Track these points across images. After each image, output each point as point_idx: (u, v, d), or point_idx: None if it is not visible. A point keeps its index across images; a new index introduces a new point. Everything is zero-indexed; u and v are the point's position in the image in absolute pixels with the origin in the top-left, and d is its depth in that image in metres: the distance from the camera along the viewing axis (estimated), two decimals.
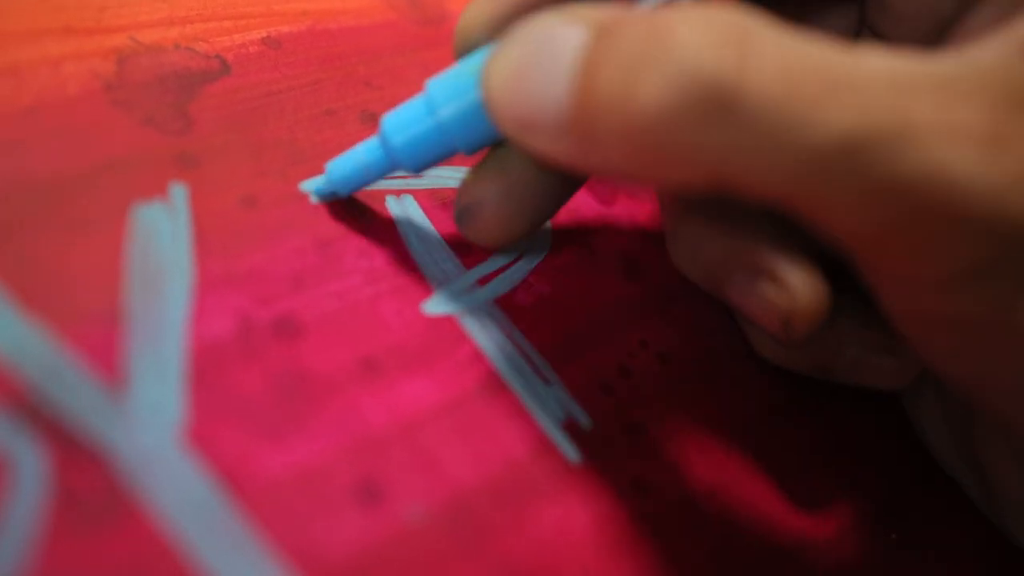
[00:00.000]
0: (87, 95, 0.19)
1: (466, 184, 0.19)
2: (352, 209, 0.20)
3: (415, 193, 0.22)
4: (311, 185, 0.20)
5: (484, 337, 0.20)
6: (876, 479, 0.22)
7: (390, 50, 0.24)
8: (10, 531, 0.14)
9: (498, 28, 0.18)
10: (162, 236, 0.18)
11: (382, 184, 0.21)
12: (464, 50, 0.19)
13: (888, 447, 0.23)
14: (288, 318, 0.18)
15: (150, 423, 0.16)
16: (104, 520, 0.15)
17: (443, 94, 0.18)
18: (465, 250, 0.21)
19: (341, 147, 0.21)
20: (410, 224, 0.21)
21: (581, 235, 0.23)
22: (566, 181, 0.20)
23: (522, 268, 0.22)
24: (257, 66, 0.22)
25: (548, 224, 0.23)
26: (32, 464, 0.15)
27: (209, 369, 0.17)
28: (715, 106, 0.14)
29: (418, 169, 0.19)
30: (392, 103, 0.23)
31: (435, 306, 0.20)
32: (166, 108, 0.20)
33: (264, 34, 0.23)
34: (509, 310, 0.21)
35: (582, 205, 0.24)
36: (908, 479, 0.22)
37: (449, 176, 0.22)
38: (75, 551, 0.14)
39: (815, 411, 0.23)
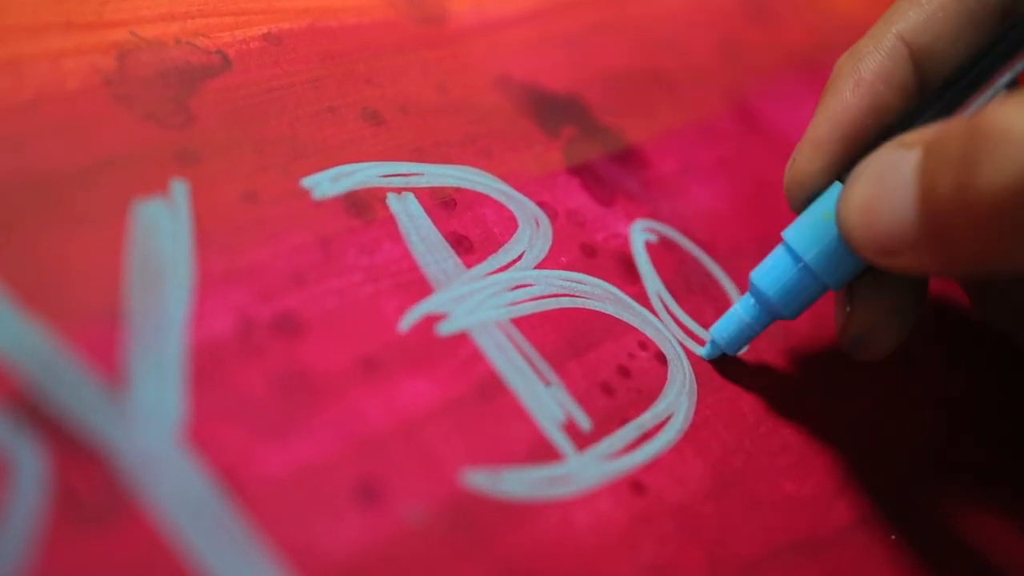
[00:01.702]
0: (88, 90, 0.19)
1: (848, 316, 0.21)
2: (353, 207, 0.20)
3: (416, 192, 0.21)
4: (705, 353, 0.22)
5: (484, 337, 0.20)
6: (876, 479, 0.22)
7: (391, 48, 0.24)
8: (10, 531, 0.14)
9: (829, 173, 0.20)
10: (163, 233, 0.18)
11: (382, 182, 0.21)
12: (801, 199, 0.21)
13: (888, 446, 0.23)
14: (289, 316, 0.18)
15: (150, 422, 0.16)
16: (104, 520, 0.15)
17: (803, 242, 0.20)
18: (465, 248, 0.21)
19: (343, 144, 0.21)
20: (411, 222, 0.21)
21: (581, 235, 0.23)
22: (922, 287, 0.21)
23: (523, 268, 0.21)
24: (258, 62, 0.22)
25: (549, 225, 0.23)
26: (32, 464, 0.15)
27: (209, 368, 0.17)
28: None
29: (795, 316, 0.21)
30: (393, 101, 0.23)
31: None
32: (167, 103, 0.20)
33: (265, 30, 0.23)
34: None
35: (582, 206, 0.24)
36: (908, 479, 0.23)
37: (449, 175, 0.22)
38: (75, 551, 0.14)
39: (814, 411, 0.23)
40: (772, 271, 0.21)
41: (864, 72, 0.20)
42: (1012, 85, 0.19)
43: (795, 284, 0.20)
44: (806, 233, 0.20)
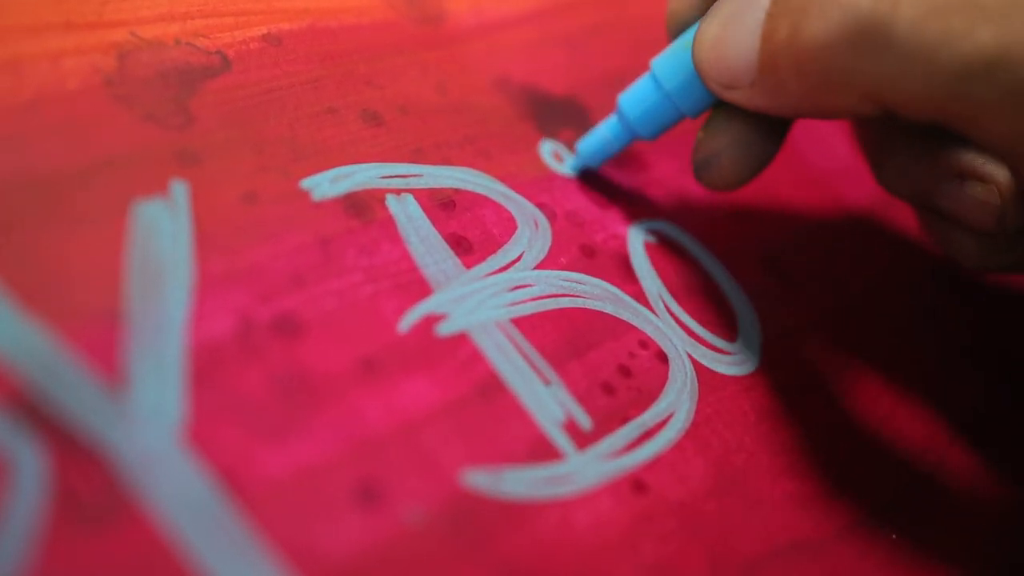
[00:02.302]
0: (87, 90, 0.19)
1: (700, 141, 0.22)
2: (353, 208, 0.20)
3: (415, 192, 0.21)
4: (570, 166, 0.24)
5: (484, 337, 0.20)
6: (877, 478, 0.22)
7: (391, 49, 0.24)
8: (10, 531, 0.14)
9: (699, 8, 0.22)
10: (162, 233, 0.18)
11: (382, 183, 0.21)
12: (676, 29, 0.23)
13: (889, 446, 0.23)
14: (288, 317, 0.18)
15: (150, 423, 0.16)
16: (104, 520, 0.15)
17: (665, 70, 0.22)
18: (465, 249, 0.21)
19: (342, 145, 0.21)
20: (410, 223, 0.21)
21: (580, 236, 0.23)
22: (776, 128, 0.22)
23: (522, 269, 0.21)
24: (258, 63, 0.22)
25: (548, 226, 0.23)
26: (31, 464, 0.15)
27: (209, 368, 0.17)
28: (871, 36, 0.17)
29: (653, 136, 0.23)
30: (392, 102, 0.23)
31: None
32: (167, 104, 0.20)
33: (265, 31, 0.23)
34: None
35: (581, 207, 0.24)
36: (909, 479, 0.23)
37: (449, 176, 0.22)
38: (75, 551, 0.14)
39: (816, 410, 0.23)
40: (636, 94, 0.23)
41: None
42: None
43: (655, 109, 0.22)
44: (669, 63, 0.22)
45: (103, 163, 0.18)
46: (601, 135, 0.24)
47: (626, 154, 0.26)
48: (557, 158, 0.24)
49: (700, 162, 0.22)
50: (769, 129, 0.22)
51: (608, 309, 0.22)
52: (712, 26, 0.20)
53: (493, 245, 0.22)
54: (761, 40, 0.19)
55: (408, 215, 0.21)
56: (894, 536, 0.21)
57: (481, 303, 0.20)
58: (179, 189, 0.19)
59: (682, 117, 0.22)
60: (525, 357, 0.20)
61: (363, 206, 0.21)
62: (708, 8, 0.22)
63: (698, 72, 0.21)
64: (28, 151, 0.18)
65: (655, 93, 0.22)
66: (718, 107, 0.22)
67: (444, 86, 0.24)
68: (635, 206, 0.25)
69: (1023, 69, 0.16)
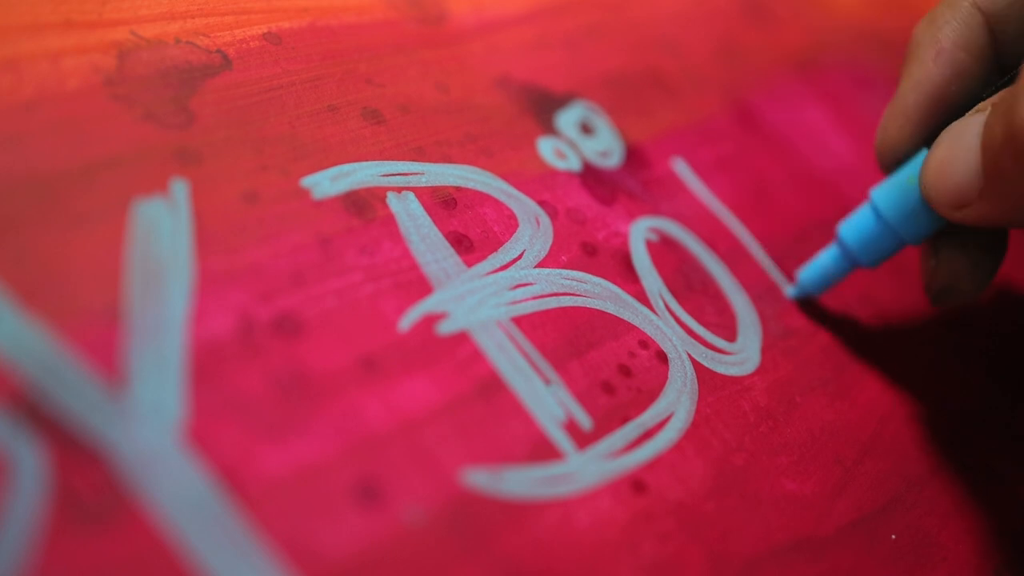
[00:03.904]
0: (87, 89, 0.19)
1: (933, 271, 0.23)
2: (353, 206, 0.20)
3: (416, 191, 0.21)
4: (790, 293, 0.25)
5: (484, 336, 0.20)
6: (877, 478, 0.22)
7: (391, 48, 0.24)
8: (10, 530, 0.14)
9: (916, 139, 0.22)
10: (162, 232, 0.18)
11: (382, 182, 0.21)
12: (890, 160, 0.23)
13: (889, 446, 0.23)
14: (288, 316, 0.18)
15: (150, 421, 0.16)
16: (104, 519, 0.15)
17: (886, 201, 0.22)
18: (466, 247, 0.21)
19: (343, 144, 0.21)
20: (411, 221, 0.21)
21: (582, 234, 0.23)
22: (999, 240, 0.23)
23: (523, 267, 0.21)
24: (258, 61, 0.22)
25: (549, 223, 0.23)
26: (31, 463, 0.15)
27: (209, 367, 0.17)
28: None
29: (875, 265, 0.23)
30: (393, 100, 0.23)
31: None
32: (167, 103, 0.20)
33: (265, 30, 0.23)
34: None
35: (583, 204, 0.24)
36: (909, 478, 0.23)
37: (450, 174, 0.22)
38: (75, 550, 0.14)
39: (815, 409, 0.23)
40: (857, 225, 0.23)
41: (944, 40, 0.22)
42: None
43: (877, 238, 0.23)
44: (891, 194, 0.22)
45: (103, 162, 0.18)
46: (822, 265, 0.24)
47: (627, 154, 0.26)
48: (559, 155, 0.24)
49: (940, 291, 0.23)
50: (994, 242, 0.22)
51: (609, 308, 0.22)
52: (937, 152, 0.20)
53: (494, 243, 0.21)
54: (982, 149, 0.19)
55: (409, 213, 0.21)
56: (894, 536, 0.21)
57: (482, 302, 0.20)
58: (179, 188, 0.19)
59: (904, 245, 0.23)
60: (525, 356, 0.20)
61: (363, 204, 0.21)
62: (924, 137, 0.22)
63: (927, 199, 0.21)
64: (28, 150, 0.18)
65: (876, 224, 0.23)
66: (947, 233, 0.22)
67: (445, 85, 0.24)
68: (636, 204, 0.25)
69: None
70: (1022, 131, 0.18)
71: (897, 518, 0.22)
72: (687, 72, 0.29)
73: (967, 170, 0.19)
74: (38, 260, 0.17)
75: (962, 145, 0.20)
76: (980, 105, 0.20)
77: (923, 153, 0.22)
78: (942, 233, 0.22)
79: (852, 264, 0.24)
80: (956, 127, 0.20)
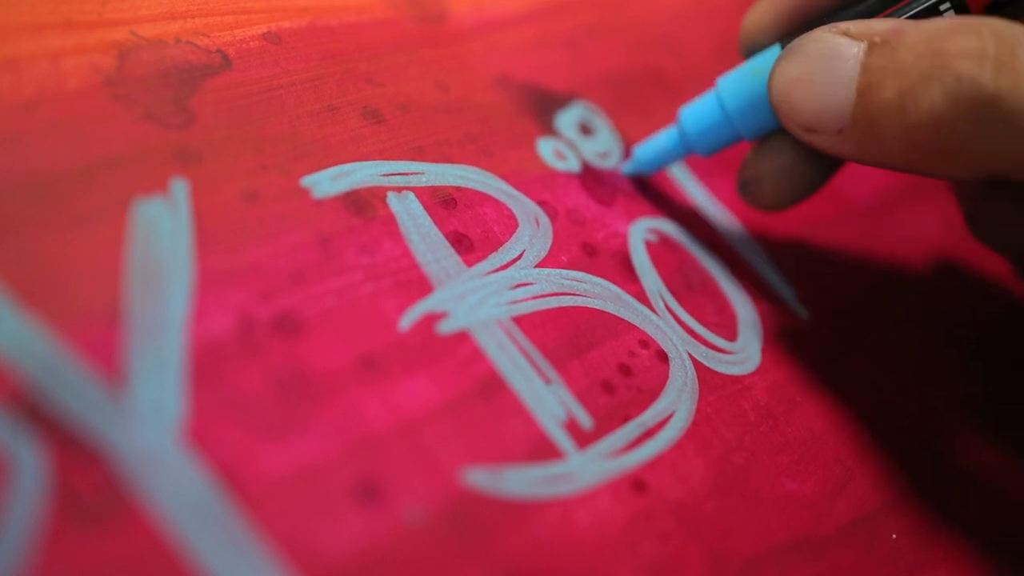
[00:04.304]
0: (87, 89, 0.19)
1: (748, 161, 0.23)
2: (353, 206, 0.20)
3: (416, 190, 0.21)
4: (624, 168, 0.24)
5: (485, 335, 0.20)
6: (878, 478, 0.22)
7: (391, 47, 0.24)
8: (10, 530, 0.14)
9: (780, 31, 0.22)
10: (162, 232, 0.18)
11: (383, 181, 0.21)
12: (749, 48, 0.22)
13: (890, 446, 0.23)
14: (288, 315, 0.18)
15: (150, 421, 0.16)
16: (104, 518, 0.15)
17: (732, 91, 0.22)
18: (466, 247, 0.21)
19: (343, 143, 0.21)
20: (411, 221, 0.21)
21: (581, 234, 0.23)
22: (826, 164, 0.22)
23: (523, 267, 0.21)
24: (258, 61, 0.22)
25: (549, 224, 0.23)
26: (31, 463, 0.15)
27: (209, 367, 0.17)
28: (991, 110, 0.17)
29: (709, 153, 0.23)
30: (393, 100, 0.23)
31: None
32: (167, 103, 0.20)
33: (265, 29, 0.23)
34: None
35: (582, 205, 0.24)
36: (910, 478, 0.23)
37: (450, 174, 0.22)
38: (74, 550, 0.14)
39: (816, 409, 0.23)
40: (698, 111, 0.23)
41: None
42: None
43: (715, 127, 0.22)
44: (736, 85, 0.22)
45: (103, 162, 0.18)
46: (659, 144, 0.24)
47: (627, 154, 0.26)
48: (559, 156, 0.24)
49: (744, 181, 0.23)
50: (818, 163, 0.22)
51: (609, 308, 0.22)
52: (793, 66, 0.19)
53: (494, 243, 0.21)
54: (857, 95, 0.18)
55: (409, 212, 0.21)
56: (894, 536, 0.21)
57: (482, 301, 0.20)
58: (179, 188, 0.19)
59: (741, 139, 0.23)
60: (526, 355, 0.20)
61: (364, 204, 0.21)
62: (783, 33, 0.21)
63: (775, 110, 0.20)
64: (28, 150, 0.18)
65: (717, 112, 0.22)
66: (776, 132, 0.22)
67: (445, 84, 0.24)
68: (636, 205, 0.25)
69: None
70: (920, 116, 0.17)
71: (897, 518, 0.22)
72: (687, 72, 0.29)
73: (831, 104, 0.19)
74: (38, 260, 0.17)
75: (829, 75, 0.19)
76: (847, 26, 0.19)
77: (775, 49, 0.21)
78: (775, 134, 0.22)
79: (688, 149, 0.23)
80: (819, 42, 0.19)
